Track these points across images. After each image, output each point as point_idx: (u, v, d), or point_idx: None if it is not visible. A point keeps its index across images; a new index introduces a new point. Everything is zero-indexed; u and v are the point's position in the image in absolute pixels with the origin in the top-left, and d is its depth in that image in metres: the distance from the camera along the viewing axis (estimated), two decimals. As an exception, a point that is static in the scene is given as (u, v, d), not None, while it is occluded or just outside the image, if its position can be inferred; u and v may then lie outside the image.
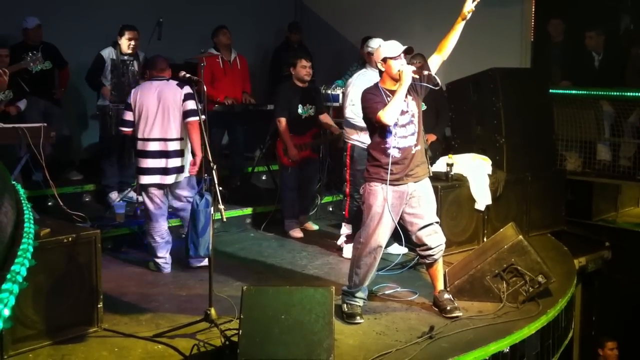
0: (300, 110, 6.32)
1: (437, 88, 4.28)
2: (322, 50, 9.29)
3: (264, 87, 9.00)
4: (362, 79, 5.54)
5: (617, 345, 6.61)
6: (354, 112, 5.54)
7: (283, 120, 6.26)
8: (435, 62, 4.31)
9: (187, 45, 7.62)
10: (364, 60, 8.02)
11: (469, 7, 4.15)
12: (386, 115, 4.14)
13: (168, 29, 6.90)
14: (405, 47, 4.26)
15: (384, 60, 4.29)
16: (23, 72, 6.53)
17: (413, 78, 4.20)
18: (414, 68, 4.21)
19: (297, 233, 6.52)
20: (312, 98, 6.40)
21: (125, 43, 6.58)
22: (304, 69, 6.28)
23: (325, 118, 6.57)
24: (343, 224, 5.92)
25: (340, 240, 5.96)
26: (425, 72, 4.25)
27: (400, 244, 5.00)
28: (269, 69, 9.09)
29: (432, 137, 6.32)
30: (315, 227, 6.81)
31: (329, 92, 7.54)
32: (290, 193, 6.50)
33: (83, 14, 7.67)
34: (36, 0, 7.29)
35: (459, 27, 4.21)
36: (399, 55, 4.24)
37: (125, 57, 6.64)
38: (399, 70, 4.19)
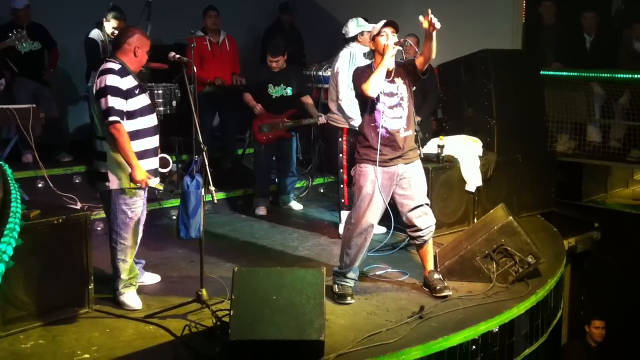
0: (270, 90, 6.38)
1: (413, 57, 4.33)
2: (314, 31, 9.23)
3: (255, 68, 8.95)
4: (349, 59, 5.55)
5: (604, 325, 6.67)
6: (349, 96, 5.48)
7: (246, 94, 6.48)
8: (420, 61, 4.27)
9: (177, 26, 7.56)
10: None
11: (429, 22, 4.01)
12: (369, 86, 4.17)
13: (158, 10, 6.83)
14: (385, 20, 4.29)
15: (373, 39, 4.35)
16: (11, 53, 6.50)
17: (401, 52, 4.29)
18: (396, 39, 4.23)
19: (261, 211, 6.56)
20: (288, 79, 6.44)
21: (110, 29, 6.37)
22: (270, 63, 6.38)
23: (306, 100, 6.61)
24: (342, 211, 5.81)
25: (341, 228, 5.77)
26: (402, 40, 4.30)
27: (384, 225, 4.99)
28: (260, 50, 9.02)
29: (417, 118, 6.29)
30: (299, 207, 6.82)
31: (320, 73, 7.51)
32: (262, 171, 6.57)
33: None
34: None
35: (433, 37, 4.06)
36: (383, 30, 4.27)
37: (112, 38, 6.53)
38: (384, 44, 4.23)
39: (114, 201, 4.20)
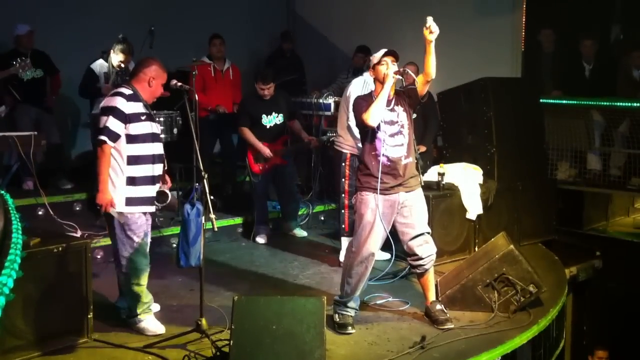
0: (264, 120, 6.40)
1: (412, 85, 4.35)
2: (314, 58, 9.31)
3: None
4: (362, 86, 5.57)
5: (608, 355, 6.61)
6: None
7: (244, 129, 6.41)
8: (420, 82, 4.32)
9: (180, 53, 7.61)
10: (355, 68, 8.10)
11: (428, 29, 4.08)
12: (370, 115, 4.19)
13: (161, 37, 6.89)
14: (386, 49, 4.32)
15: (373, 68, 4.38)
16: (14, 80, 6.53)
17: (400, 81, 4.31)
18: (395, 69, 4.25)
19: (261, 239, 6.55)
20: (278, 106, 6.45)
21: (116, 61, 6.34)
22: (261, 91, 6.37)
23: (295, 125, 6.63)
24: (343, 238, 5.78)
25: (342, 255, 5.69)
26: (401, 69, 4.30)
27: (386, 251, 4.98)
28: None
29: (422, 148, 6.32)
30: (303, 234, 6.80)
31: (321, 100, 7.56)
32: (259, 199, 6.55)
33: (74, 21, 7.65)
34: (27, 8, 7.28)
35: (431, 50, 4.14)
36: (383, 59, 4.29)
37: (118, 69, 6.55)
38: (384, 73, 4.26)
39: (118, 226, 4.23)
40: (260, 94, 6.38)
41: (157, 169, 4.34)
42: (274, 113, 6.43)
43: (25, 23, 6.73)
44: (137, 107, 4.21)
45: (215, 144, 7.67)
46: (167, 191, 4.32)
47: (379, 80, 4.33)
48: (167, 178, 4.50)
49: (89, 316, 4.10)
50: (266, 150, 6.34)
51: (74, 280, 4.04)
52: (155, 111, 6.34)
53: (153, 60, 4.37)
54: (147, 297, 4.34)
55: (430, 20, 4.06)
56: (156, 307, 4.67)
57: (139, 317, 4.28)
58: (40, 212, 5.98)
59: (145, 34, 6.84)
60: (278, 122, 6.46)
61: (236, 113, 6.88)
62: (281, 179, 6.61)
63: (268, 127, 6.43)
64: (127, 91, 4.22)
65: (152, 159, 4.29)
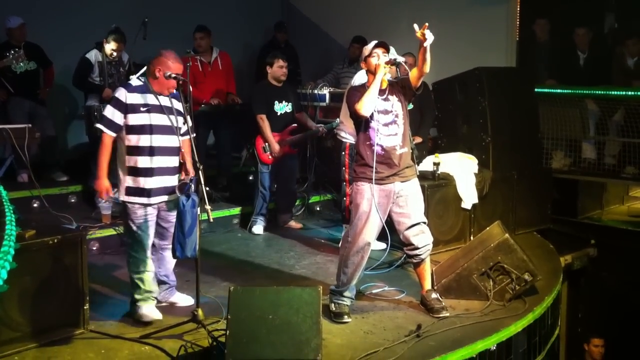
0: (276, 107, 6.41)
1: (406, 76, 4.32)
2: (309, 49, 9.30)
3: (251, 85, 8.97)
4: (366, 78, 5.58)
5: (603, 343, 6.64)
6: None
7: (264, 117, 6.35)
8: (413, 76, 4.30)
9: (173, 45, 7.52)
10: (351, 59, 8.10)
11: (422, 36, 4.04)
12: (362, 105, 4.20)
13: (154, 29, 6.86)
14: (376, 41, 4.32)
15: (365, 60, 4.38)
16: (7, 72, 6.52)
17: (395, 70, 4.29)
18: (387, 59, 4.24)
19: (258, 230, 6.56)
20: (287, 95, 6.49)
21: (109, 50, 6.42)
22: (280, 69, 6.37)
23: (302, 116, 6.64)
24: (344, 225, 5.77)
25: None
26: (393, 58, 4.25)
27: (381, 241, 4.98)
28: (255, 68, 9.07)
29: (417, 139, 6.32)
30: (299, 225, 6.81)
31: (315, 91, 7.55)
32: (264, 192, 6.54)
33: (67, 14, 7.62)
34: (19, 0, 7.23)
35: (426, 51, 4.09)
36: (373, 51, 4.29)
37: (112, 59, 6.56)
38: (375, 64, 4.26)
39: (124, 214, 4.38)
40: (278, 74, 6.37)
41: (159, 161, 4.29)
42: (284, 101, 6.44)
43: (17, 15, 6.70)
44: (139, 98, 4.23)
45: (209, 136, 7.65)
46: (189, 182, 4.27)
47: (371, 72, 4.34)
48: (188, 168, 4.42)
49: (84, 307, 4.10)
50: (276, 147, 6.34)
51: (69, 272, 4.04)
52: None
53: (162, 50, 4.40)
54: (148, 287, 4.35)
55: (427, 32, 4.00)
56: (189, 300, 4.60)
57: (137, 303, 4.32)
58: (35, 205, 5.99)
59: (138, 25, 6.81)
60: (288, 111, 6.49)
61: (252, 101, 6.79)
62: (283, 170, 6.59)
63: (279, 114, 6.43)
64: (135, 82, 4.31)
65: (150, 151, 4.26)
